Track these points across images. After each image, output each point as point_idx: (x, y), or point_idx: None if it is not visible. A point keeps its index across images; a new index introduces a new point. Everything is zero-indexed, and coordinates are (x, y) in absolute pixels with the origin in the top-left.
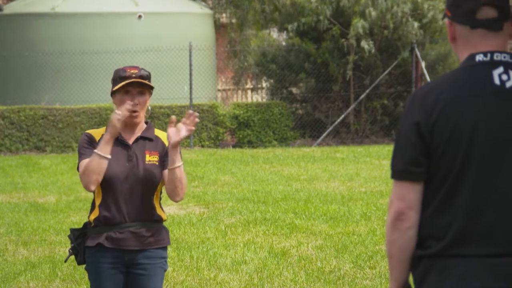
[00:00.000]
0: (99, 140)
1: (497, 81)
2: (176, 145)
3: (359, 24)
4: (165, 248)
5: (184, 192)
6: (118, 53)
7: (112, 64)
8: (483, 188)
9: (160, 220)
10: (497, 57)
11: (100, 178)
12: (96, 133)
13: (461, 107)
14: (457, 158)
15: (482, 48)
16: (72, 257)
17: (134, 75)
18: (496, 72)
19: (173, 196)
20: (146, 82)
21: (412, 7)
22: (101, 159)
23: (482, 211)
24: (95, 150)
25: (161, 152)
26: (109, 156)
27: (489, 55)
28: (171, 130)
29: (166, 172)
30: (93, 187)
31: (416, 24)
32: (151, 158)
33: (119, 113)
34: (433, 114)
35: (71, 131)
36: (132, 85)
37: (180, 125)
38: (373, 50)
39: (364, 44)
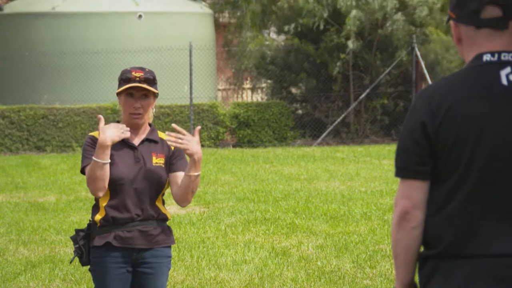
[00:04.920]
0: None
1: (504, 81)
2: (200, 158)
3: (351, 22)
4: (170, 247)
5: (190, 199)
6: (118, 53)
7: (112, 64)
8: (489, 189)
9: (166, 219)
10: (505, 57)
11: (106, 184)
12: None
13: (468, 107)
14: (463, 159)
15: (488, 48)
16: (77, 258)
17: (138, 79)
18: (504, 73)
19: (182, 200)
20: (149, 87)
21: (399, 3)
22: (102, 165)
23: (487, 212)
24: (93, 158)
25: (166, 155)
26: (108, 161)
27: (496, 55)
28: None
29: (177, 174)
30: (101, 194)
31: (402, 18)
32: (158, 160)
33: (121, 133)
34: (439, 115)
35: (71, 130)
36: (136, 88)
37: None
38: (352, 46)
39: (350, 43)
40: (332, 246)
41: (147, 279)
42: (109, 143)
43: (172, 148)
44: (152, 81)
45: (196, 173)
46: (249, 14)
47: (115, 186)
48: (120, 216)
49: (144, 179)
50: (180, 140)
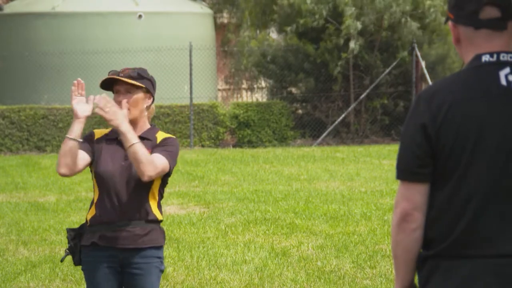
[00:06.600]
0: (97, 139)
1: (503, 82)
2: (109, 121)
3: (350, 24)
4: (159, 248)
5: (146, 170)
6: (118, 53)
7: (112, 64)
8: (489, 189)
9: (155, 220)
10: (504, 57)
11: (69, 162)
12: (98, 132)
13: (468, 108)
14: (463, 160)
15: (487, 48)
16: (70, 257)
17: (121, 74)
18: (503, 73)
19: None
20: (119, 77)
21: (412, 7)
22: (69, 141)
23: (488, 211)
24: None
25: (152, 150)
26: (76, 138)
27: (495, 56)
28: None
29: None
30: (62, 170)
31: (414, 25)
32: None
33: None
34: (439, 116)
35: None
36: (118, 84)
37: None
38: (356, 51)
39: (352, 44)
40: (332, 246)
41: (136, 280)
42: (78, 116)
43: (158, 141)
44: (135, 77)
45: (130, 143)
46: (246, 13)
47: (103, 184)
48: (106, 214)
49: (130, 177)
50: (107, 109)
